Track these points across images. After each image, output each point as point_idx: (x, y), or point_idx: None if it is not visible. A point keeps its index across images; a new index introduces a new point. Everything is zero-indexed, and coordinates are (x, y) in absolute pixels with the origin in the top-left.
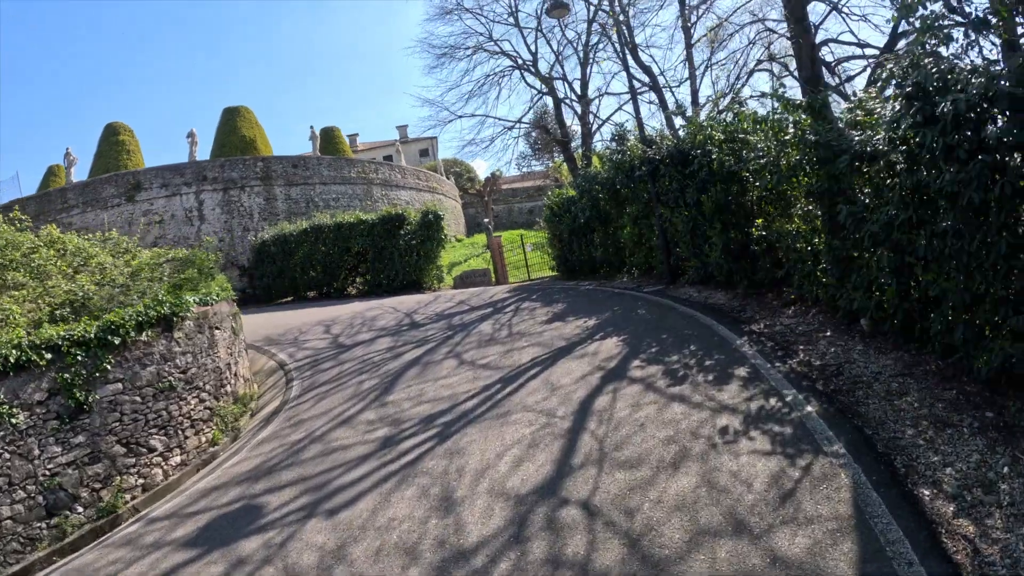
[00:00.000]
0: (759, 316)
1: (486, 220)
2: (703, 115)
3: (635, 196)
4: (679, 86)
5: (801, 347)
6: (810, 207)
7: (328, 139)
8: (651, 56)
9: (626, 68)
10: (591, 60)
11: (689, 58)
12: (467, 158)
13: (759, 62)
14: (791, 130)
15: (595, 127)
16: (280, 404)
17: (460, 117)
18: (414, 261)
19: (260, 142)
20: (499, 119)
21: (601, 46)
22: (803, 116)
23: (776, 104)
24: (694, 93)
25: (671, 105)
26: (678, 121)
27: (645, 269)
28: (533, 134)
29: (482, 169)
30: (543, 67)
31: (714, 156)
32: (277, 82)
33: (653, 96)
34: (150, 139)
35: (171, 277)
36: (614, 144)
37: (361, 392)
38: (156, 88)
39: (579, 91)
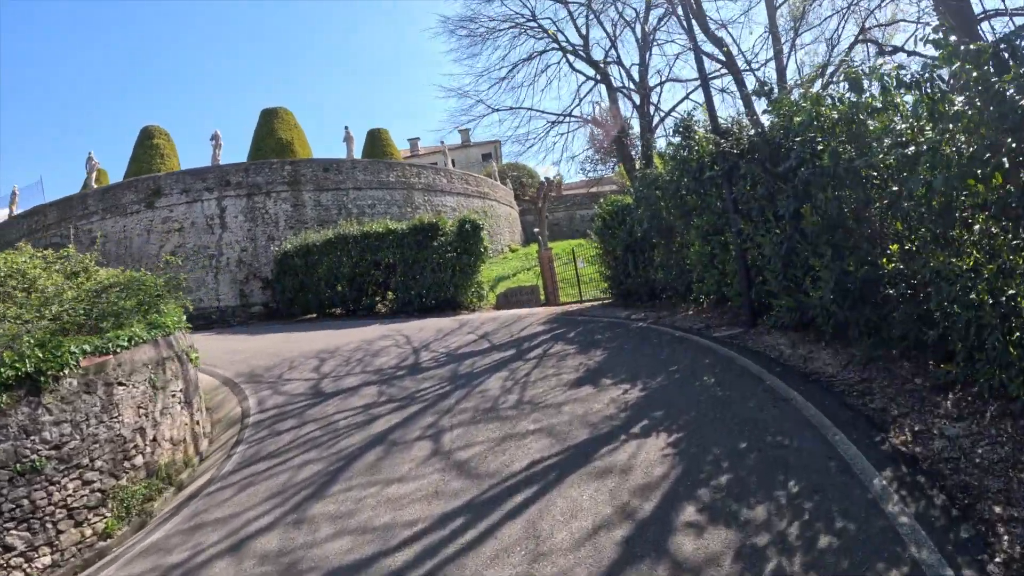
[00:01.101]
0: (899, 411)
1: (536, 230)
2: (795, 96)
3: (705, 204)
4: (760, 68)
5: (1001, 513)
6: (997, 230)
7: (375, 142)
8: (728, 32)
9: (694, 44)
10: (651, 41)
11: (773, 29)
12: (509, 159)
13: (855, 41)
14: (959, 101)
15: (656, 121)
16: (206, 482)
17: (496, 110)
18: (449, 277)
19: (298, 145)
20: (543, 112)
21: (663, 26)
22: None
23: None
24: (780, 71)
25: (751, 87)
26: (760, 106)
27: (717, 299)
28: (597, 135)
29: (549, 173)
30: (595, 54)
31: (821, 147)
32: (346, 86)
33: (727, 83)
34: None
35: (93, 308)
36: (678, 138)
37: (293, 486)
38: (208, 90)
39: (637, 78)
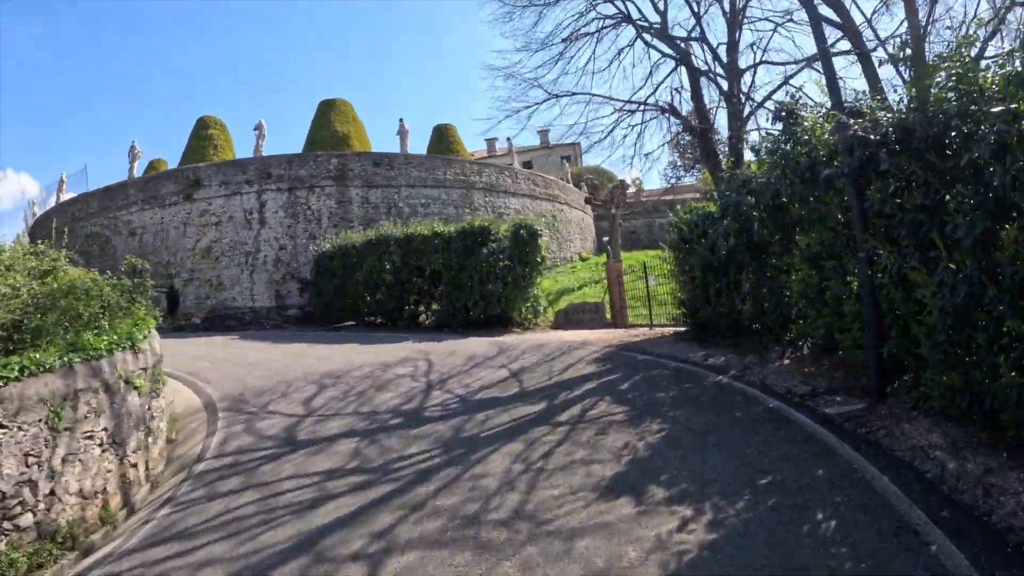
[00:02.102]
0: None
1: (605, 239)
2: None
3: (816, 215)
4: (888, 42)
5: None
6: None
7: (441, 139)
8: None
9: (808, 5)
10: (742, 16)
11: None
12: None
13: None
14: None
15: (748, 111)
16: (107, 555)
17: (555, 96)
18: (499, 289)
19: (356, 139)
20: (610, 98)
21: None
22: None
23: None
24: (916, 38)
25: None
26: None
27: (824, 345)
28: (681, 137)
29: (632, 178)
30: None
31: None
32: (432, 84)
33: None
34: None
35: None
36: (778, 126)
37: None
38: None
39: (725, 58)
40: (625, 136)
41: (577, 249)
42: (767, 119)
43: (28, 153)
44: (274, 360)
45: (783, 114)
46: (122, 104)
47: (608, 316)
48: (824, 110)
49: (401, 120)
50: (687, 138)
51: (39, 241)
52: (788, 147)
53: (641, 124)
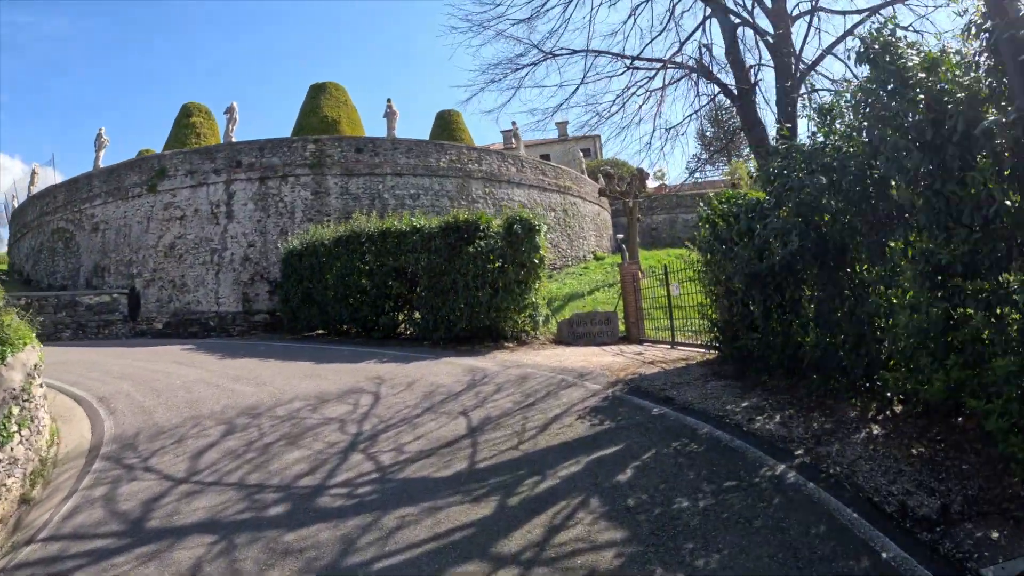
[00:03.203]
0: None
1: (619, 236)
2: None
3: (940, 203)
4: None
5: None
6: None
7: (444, 126)
8: None
9: None
10: None
11: None
12: (579, 132)
13: None
14: None
15: (799, 71)
16: None
17: (551, 56)
18: (489, 297)
19: (346, 124)
20: (620, 55)
21: None
22: None
23: None
24: None
25: None
26: None
27: (944, 409)
28: (707, 131)
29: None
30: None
31: None
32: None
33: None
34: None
35: None
36: (864, 70)
37: None
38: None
39: (769, 3)
40: (641, 106)
41: (591, 247)
42: (853, 58)
43: (56, 147)
44: (205, 383)
45: (873, 53)
46: (109, 93)
47: (621, 328)
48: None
49: (389, 100)
50: (721, 104)
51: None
52: (884, 99)
53: (662, 89)
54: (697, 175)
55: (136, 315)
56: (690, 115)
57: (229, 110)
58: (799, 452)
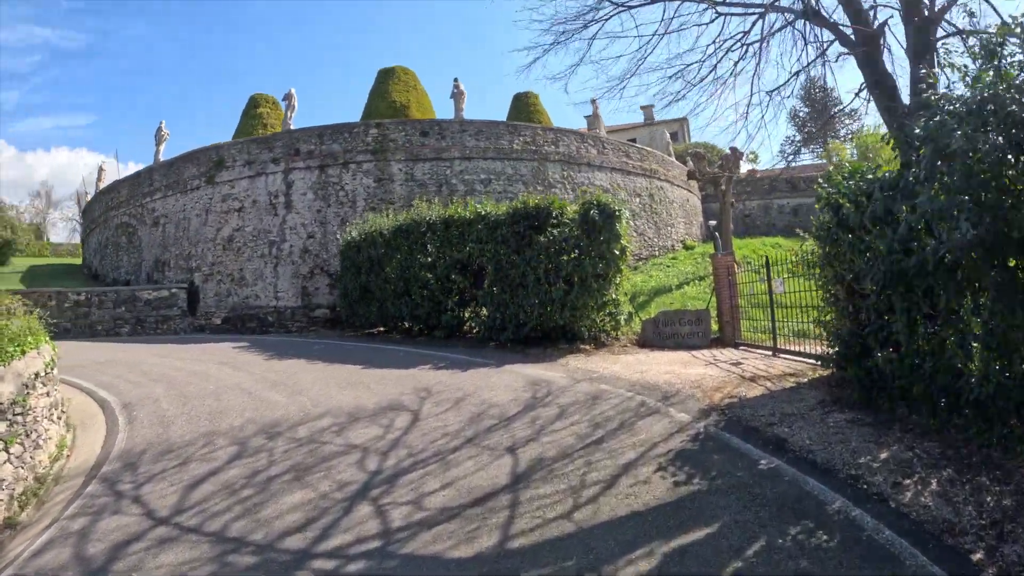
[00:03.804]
0: None
1: (713, 223)
2: None
3: None
4: None
5: None
6: None
7: (520, 109)
8: None
9: None
10: None
11: None
12: (663, 103)
13: None
14: None
15: (936, 6)
16: None
17: (626, 7)
18: (561, 293)
19: (416, 108)
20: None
21: None
22: None
23: None
24: None
25: None
26: None
27: None
28: (800, 111)
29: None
30: None
31: None
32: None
33: None
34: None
35: None
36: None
37: None
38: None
39: None
40: (737, 63)
41: (680, 235)
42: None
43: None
44: (239, 390)
45: None
46: (186, 90)
47: (714, 327)
48: None
49: (455, 80)
50: (815, 81)
51: None
52: None
53: (760, 42)
54: (791, 159)
55: (195, 310)
56: (796, 72)
57: (287, 97)
58: (978, 556)
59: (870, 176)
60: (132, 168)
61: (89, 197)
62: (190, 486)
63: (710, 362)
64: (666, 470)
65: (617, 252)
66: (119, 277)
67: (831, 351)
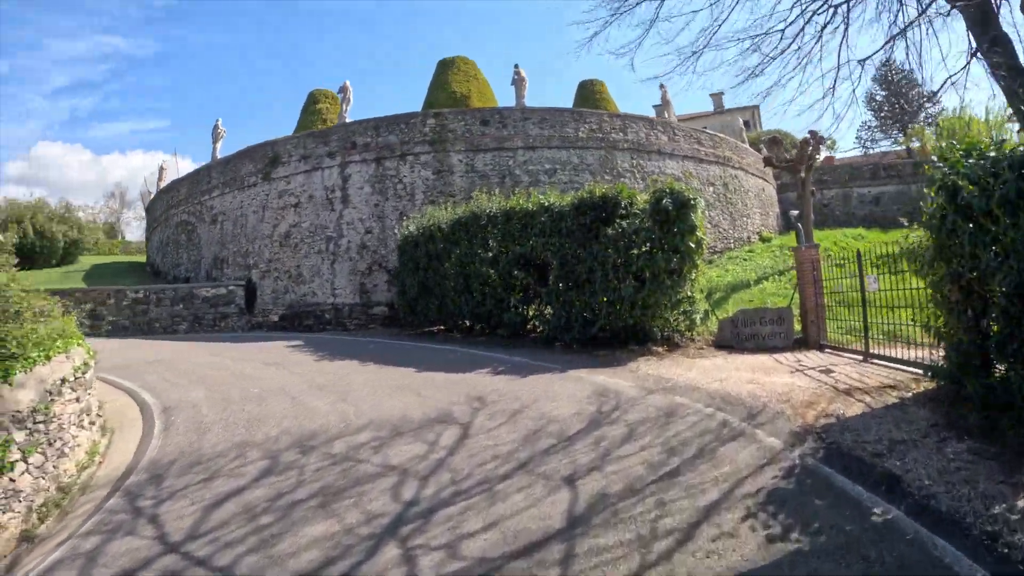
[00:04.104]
0: None
1: (794, 213)
2: None
3: None
4: None
5: None
6: None
7: (586, 98)
8: None
9: None
10: None
11: None
12: (737, 80)
13: None
14: None
15: None
16: None
17: None
18: (632, 290)
19: (476, 98)
20: None
21: None
22: None
23: None
24: None
25: None
26: None
27: None
28: (876, 95)
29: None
30: None
31: None
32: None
33: None
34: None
35: None
36: None
37: None
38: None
39: None
40: (823, 28)
41: (756, 227)
42: None
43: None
44: (283, 394)
45: None
46: (253, 91)
47: (797, 328)
48: None
49: (516, 66)
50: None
51: None
52: None
53: (848, 2)
54: (869, 146)
55: (252, 308)
56: (893, 37)
57: (342, 90)
58: None
59: (993, 153)
60: (191, 166)
61: (145, 200)
62: (211, 506)
63: (796, 369)
64: (756, 517)
65: (692, 245)
66: (179, 275)
67: (942, 362)
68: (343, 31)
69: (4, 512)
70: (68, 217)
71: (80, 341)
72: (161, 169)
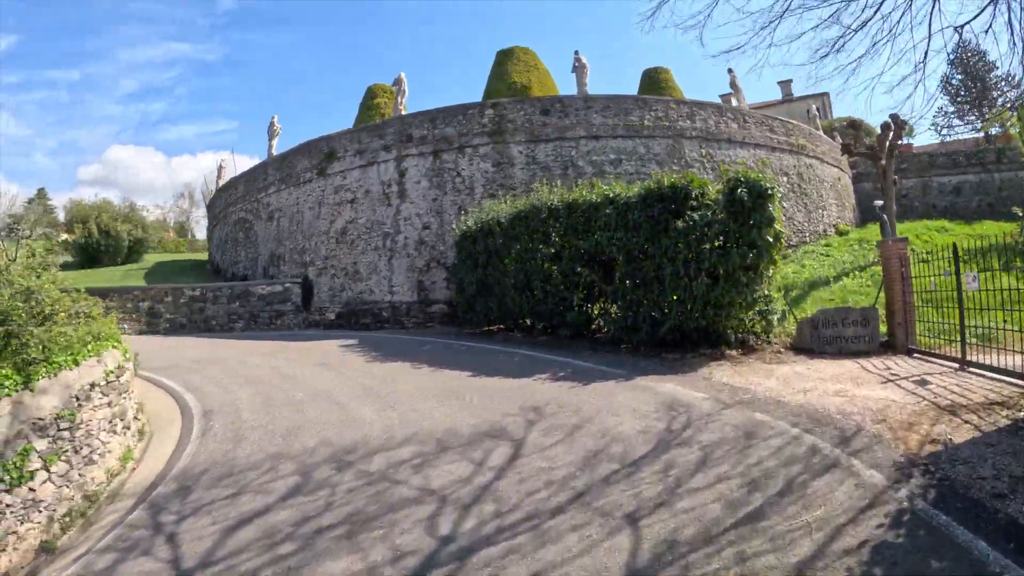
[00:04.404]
0: None
1: (878, 203)
2: None
3: None
4: None
5: None
6: None
7: (652, 85)
8: None
9: None
10: None
11: None
12: (815, 56)
13: None
14: None
15: None
16: None
17: None
18: (704, 288)
19: (537, 89)
20: None
21: None
22: None
23: None
24: None
25: None
26: None
27: None
28: (952, 78)
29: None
30: None
31: None
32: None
33: None
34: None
35: None
36: None
37: None
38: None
39: None
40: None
41: (832, 219)
42: None
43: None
44: (327, 400)
45: None
46: (323, 92)
47: (882, 330)
48: None
49: (576, 53)
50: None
51: None
52: None
53: None
54: (945, 132)
55: (309, 305)
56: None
57: (397, 82)
58: None
59: None
60: (251, 164)
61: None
62: (232, 527)
63: (887, 378)
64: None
65: (770, 239)
66: (237, 272)
67: None
68: (403, 26)
69: (23, 523)
70: (132, 216)
71: (115, 343)
72: (220, 167)
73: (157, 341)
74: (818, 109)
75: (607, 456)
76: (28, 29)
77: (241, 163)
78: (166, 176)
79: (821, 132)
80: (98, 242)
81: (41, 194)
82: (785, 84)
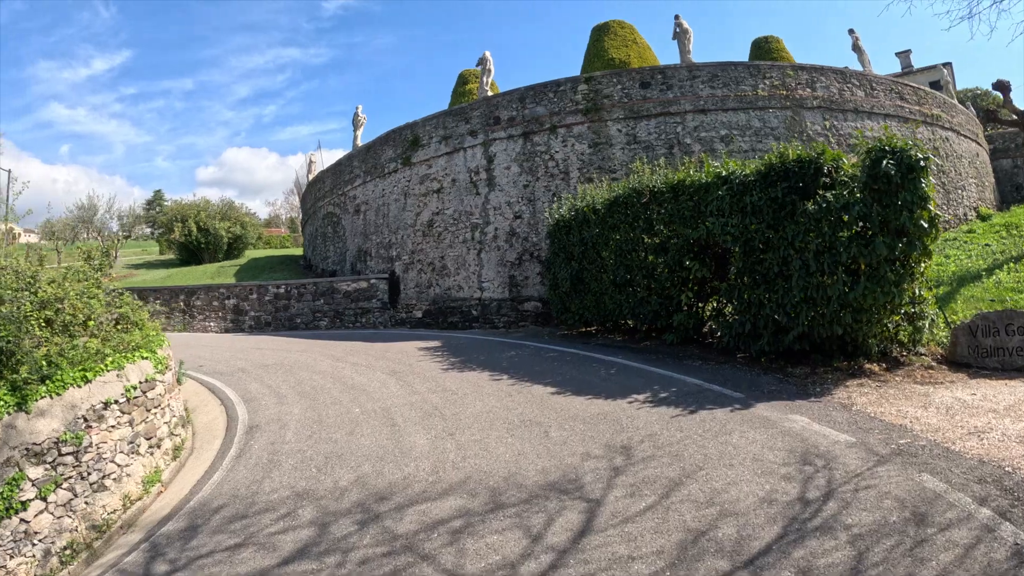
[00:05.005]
0: None
1: None
2: None
3: None
4: None
5: None
6: None
7: (761, 57)
8: None
9: None
10: None
11: None
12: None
13: None
14: None
15: None
16: None
17: None
18: (842, 287)
19: (636, 63)
20: None
21: None
22: None
23: None
24: None
25: None
26: None
27: None
28: None
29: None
30: None
31: None
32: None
33: None
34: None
35: None
36: None
37: None
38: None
39: None
40: None
41: (972, 201)
42: None
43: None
44: (383, 420)
45: None
46: (422, 85)
47: None
48: None
49: (677, 17)
50: None
51: None
52: None
53: None
54: None
55: (396, 302)
56: None
57: (482, 61)
58: None
59: None
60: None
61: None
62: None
63: None
64: None
65: (924, 224)
66: (327, 267)
67: None
68: (499, 16)
69: (12, 557)
70: (231, 214)
71: (146, 354)
72: (310, 162)
73: (238, 340)
74: (936, 83)
75: (714, 543)
76: (142, 43)
77: (320, 156)
78: (280, 174)
79: (956, 101)
80: (197, 240)
81: (158, 195)
82: (904, 55)
